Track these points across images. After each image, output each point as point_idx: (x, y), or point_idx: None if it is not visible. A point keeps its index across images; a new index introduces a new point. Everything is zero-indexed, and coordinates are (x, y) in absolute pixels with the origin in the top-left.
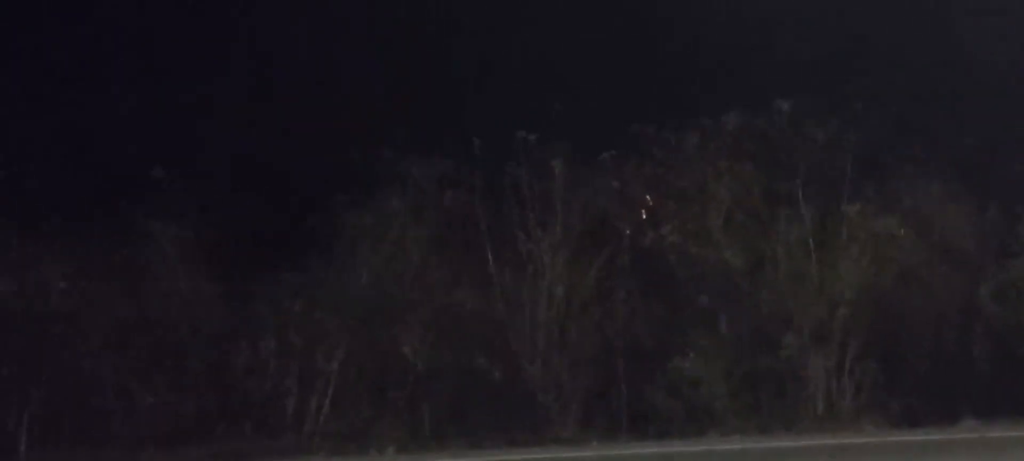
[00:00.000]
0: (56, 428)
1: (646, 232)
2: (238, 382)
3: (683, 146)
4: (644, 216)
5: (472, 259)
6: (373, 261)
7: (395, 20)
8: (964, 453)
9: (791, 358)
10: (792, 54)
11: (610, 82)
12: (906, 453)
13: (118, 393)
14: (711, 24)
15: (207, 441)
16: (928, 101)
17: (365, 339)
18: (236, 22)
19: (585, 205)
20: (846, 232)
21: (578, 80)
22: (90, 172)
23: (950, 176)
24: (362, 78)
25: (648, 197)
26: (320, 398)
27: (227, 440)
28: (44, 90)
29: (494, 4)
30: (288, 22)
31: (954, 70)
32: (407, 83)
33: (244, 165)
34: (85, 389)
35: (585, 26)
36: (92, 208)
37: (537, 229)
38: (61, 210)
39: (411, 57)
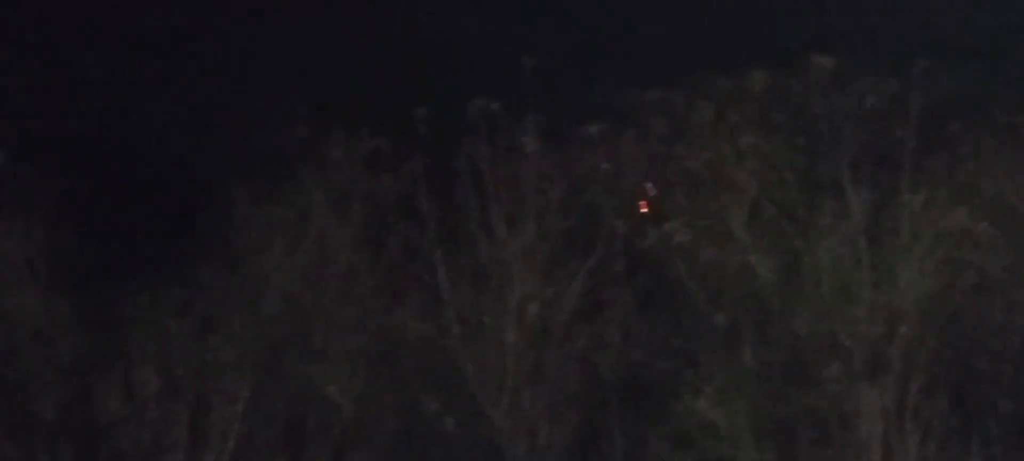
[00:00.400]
0: None
1: (647, 230)
2: (105, 432)
3: (695, 116)
4: (644, 209)
5: (417, 267)
6: (285, 270)
7: None
8: None
9: (838, 394)
10: None
11: (598, 34)
12: None
13: None
14: None
15: None
16: (1011, 57)
17: (276, 375)
18: None
19: (566, 195)
20: (908, 228)
21: (555, 31)
22: None
23: None
24: (267, 35)
25: (649, 184)
26: (218, 453)
27: None
28: None
29: None
30: None
31: None
32: (327, 40)
33: (112, 148)
34: None
35: None
36: None
37: (503, 227)
38: None
39: (331, 5)
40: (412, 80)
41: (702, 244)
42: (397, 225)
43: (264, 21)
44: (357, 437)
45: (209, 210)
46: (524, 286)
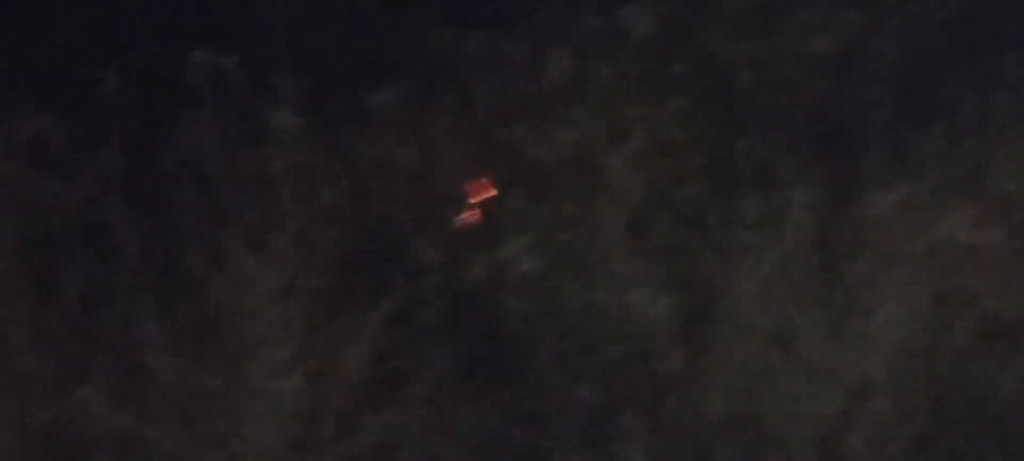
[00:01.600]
0: None
1: (473, 256)
2: None
3: (546, 75)
4: (469, 221)
5: (109, 321)
6: None
7: None
8: None
9: None
10: None
11: None
12: None
13: None
14: None
15: None
16: None
17: None
18: None
19: (345, 203)
20: (877, 244)
21: None
22: None
23: None
24: None
25: (478, 183)
26: None
27: None
28: None
29: None
30: None
31: None
32: None
33: None
34: None
35: None
36: None
37: (245, 255)
38: None
39: None
40: (99, 28)
41: (559, 275)
42: (78, 254)
43: None
44: None
45: None
46: (279, 349)
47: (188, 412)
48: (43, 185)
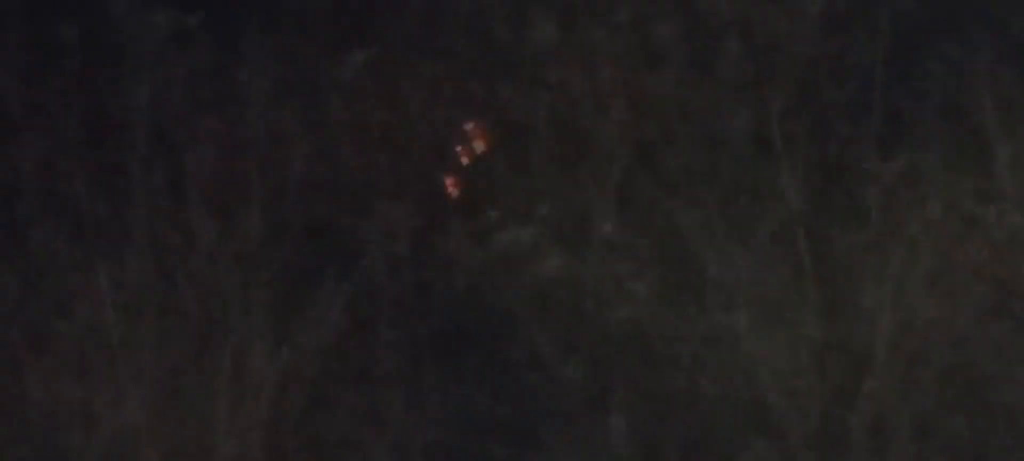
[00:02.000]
0: None
1: (451, 225)
2: None
3: (528, 33)
4: (452, 190)
5: (65, 292)
6: None
7: None
8: None
9: None
10: None
11: None
12: None
13: None
14: None
15: None
16: None
17: None
18: None
19: (315, 166)
20: (877, 215)
21: None
22: None
23: None
24: None
25: (459, 148)
26: None
27: None
28: None
29: None
30: None
31: None
32: None
33: None
34: None
35: None
36: None
37: (208, 221)
38: None
39: None
40: None
41: (542, 246)
42: (31, 221)
43: None
44: None
45: None
46: (245, 321)
47: (151, 386)
48: None
